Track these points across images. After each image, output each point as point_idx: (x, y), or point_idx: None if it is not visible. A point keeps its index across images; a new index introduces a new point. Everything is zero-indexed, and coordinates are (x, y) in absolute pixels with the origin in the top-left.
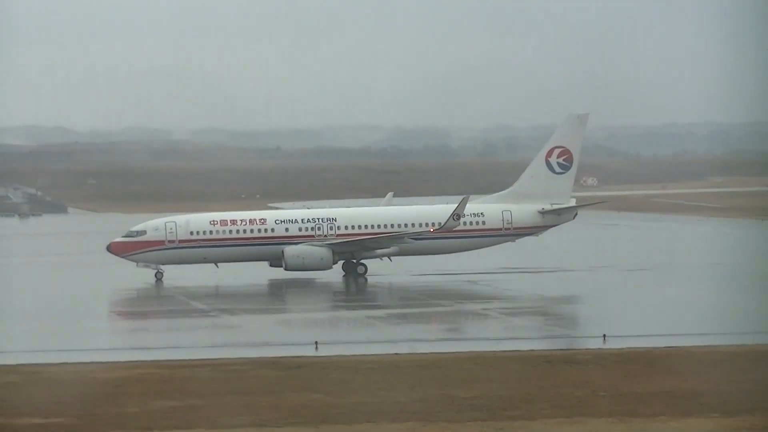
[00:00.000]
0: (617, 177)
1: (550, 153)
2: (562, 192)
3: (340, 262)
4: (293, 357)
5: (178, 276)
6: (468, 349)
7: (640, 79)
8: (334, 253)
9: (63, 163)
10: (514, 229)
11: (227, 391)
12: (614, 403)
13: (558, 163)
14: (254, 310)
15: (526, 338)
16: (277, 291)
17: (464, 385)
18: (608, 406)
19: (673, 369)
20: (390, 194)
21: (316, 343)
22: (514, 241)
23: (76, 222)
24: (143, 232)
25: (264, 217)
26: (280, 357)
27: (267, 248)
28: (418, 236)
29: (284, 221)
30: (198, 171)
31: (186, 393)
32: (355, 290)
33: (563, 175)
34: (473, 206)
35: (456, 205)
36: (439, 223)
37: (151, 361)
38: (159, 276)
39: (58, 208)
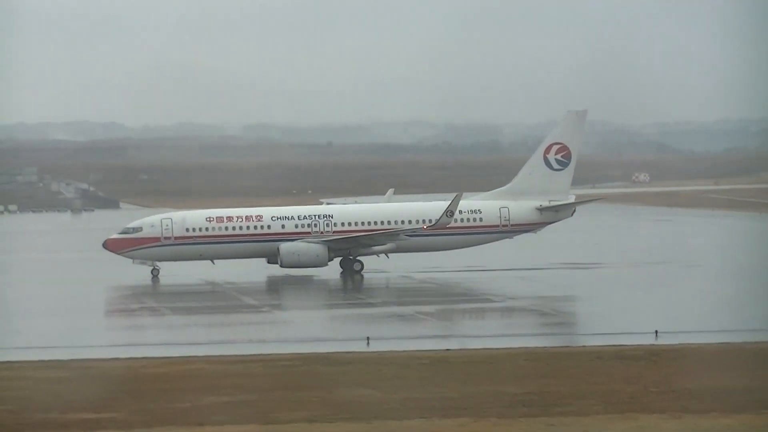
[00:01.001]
0: (669, 173)
1: (548, 149)
2: (560, 188)
3: (338, 259)
4: (345, 352)
5: (228, 272)
6: (519, 345)
7: (693, 75)
8: (329, 249)
9: (115, 158)
10: (512, 226)
11: (279, 386)
12: (666, 399)
13: (556, 159)
14: (305, 306)
15: (577, 334)
16: (324, 287)
17: (515, 381)
18: (660, 402)
19: (725, 365)
20: (391, 191)
21: (368, 338)
22: (511, 238)
23: (129, 217)
24: (139, 229)
25: (260, 214)
26: (332, 352)
27: (263, 245)
28: (413, 233)
29: (281, 218)
30: (249, 167)
31: (238, 388)
32: (402, 286)
33: (561, 171)
34: (471, 203)
35: (450, 201)
36: (431, 220)
37: (203, 356)
38: (155, 273)
39: (110, 204)
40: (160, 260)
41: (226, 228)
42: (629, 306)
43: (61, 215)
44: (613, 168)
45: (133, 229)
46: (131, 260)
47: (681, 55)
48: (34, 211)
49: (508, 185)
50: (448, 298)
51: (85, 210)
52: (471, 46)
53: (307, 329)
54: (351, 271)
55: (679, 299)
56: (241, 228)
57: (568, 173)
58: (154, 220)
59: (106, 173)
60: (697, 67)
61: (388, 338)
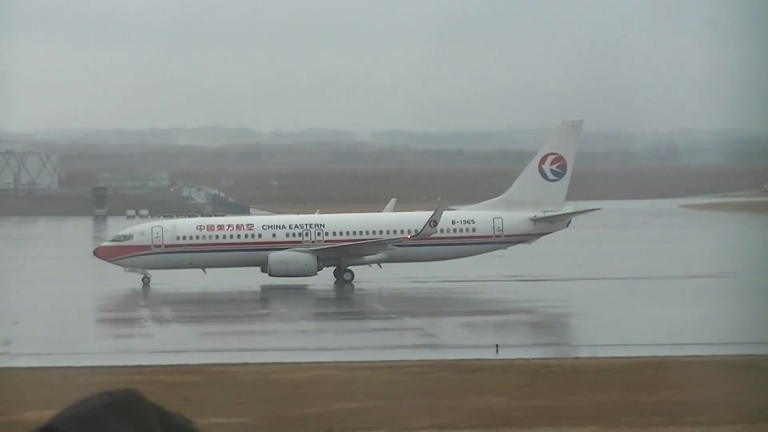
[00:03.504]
0: None
1: (543, 160)
2: (555, 199)
3: (331, 269)
4: (474, 360)
5: (360, 278)
6: (650, 354)
7: None
8: (318, 259)
9: (246, 164)
10: (505, 236)
11: (408, 393)
12: None
13: (551, 170)
14: (435, 313)
15: (707, 344)
16: (454, 294)
17: (646, 389)
18: None
19: None
20: (393, 200)
21: (497, 346)
22: (505, 248)
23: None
24: (130, 237)
25: (251, 223)
26: (461, 360)
27: (254, 254)
28: (399, 243)
29: (272, 227)
30: (379, 173)
31: (367, 395)
32: (530, 291)
33: (557, 182)
34: (464, 213)
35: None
36: (416, 230)
37: (332, 362)
38: (146, 281)
39: (240, 210)
40: (150, 268)
41: (217, 236)
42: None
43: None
44: (745, 177)
45: (124, 236)
46: (122, 268)
47: None
48: (164, 216)
49: (502, 195)
50: (575, 304)
51: (215, 216)
52: (604, 51)
53: (436, 336)
54: (342, 281)
55: None
56: (231, 237)
57: (564, 184)
58: (144, 228)
59: (237, 179)
60: None
61: (516, 346)
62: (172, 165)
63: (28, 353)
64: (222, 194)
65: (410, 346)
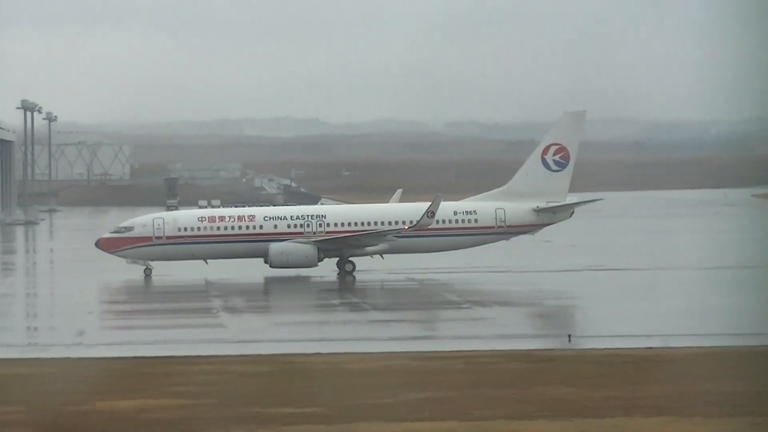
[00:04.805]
0: None
1: (546, 150)
2: (558, 190)
3: (333, 260)
4: (545, 350)
5: (429, 267)
6: (724, 344)
7: None
8: (319, 250)
9: (317, 154)
10: (508, 227)
11: (479, 383)
12: None
13: (554, 160)
14: (506, 303)
15: None
16: (525, 283)
17: (720, 380)
18: None
19: None
20: (399, 191)
21: (569, 335)
22: (507, 239)
23: None
24: (131, 228)
25: (253, 214)
26: (533, 350)
27: (255, 245)
28: (399, 234)
29: (273, 218)
30: (451, 163)
31: (438, 385)
32: (604, 281)
33: (560, 172)
34: (466, 204)
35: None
36: (412, 221)
37: (404, 352)
38: (148, 273)
39: (312, 200)
40: (151, 260)
41: (218, 228)
42: None
43: None
44: None
45: (125, 228)
46: (124, 260)
47: None
48: (236, 207)
49: (504, 186)
50: (650, 294)
51: (286, 206)
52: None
53: (507, 326)
54: (344, 272)
55: None
56: (233, 228)
57: (567, 174)
58: (146, 220)
59: (309, 169)
60: None
61: (589, 336)
62: (243, 156)
63: (101, 343)
64: (294, 184)
65: (482, 336)
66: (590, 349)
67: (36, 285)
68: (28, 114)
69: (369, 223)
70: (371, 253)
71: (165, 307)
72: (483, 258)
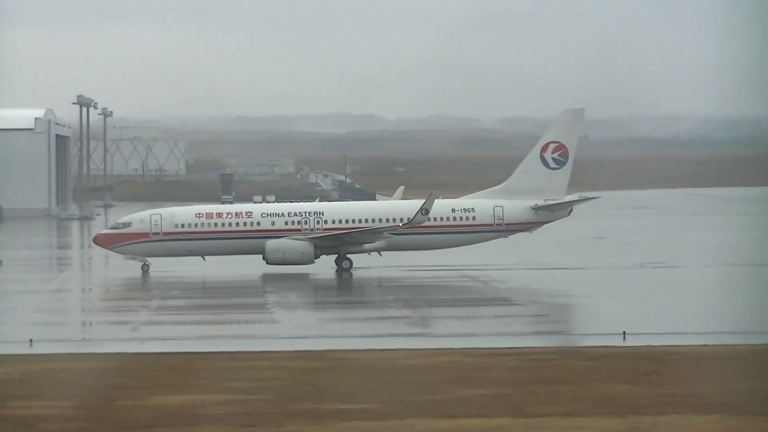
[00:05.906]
0: None
1: (545, 148)
2: (556, 188)
3: (330, 257)
4: (600, 347)
5: (479, 264)
6: None
7: None
8: (316, 247)
9: (370, 150)
10: (506, 225)
11: (533, 380)
12: None
13: (553, 158)
14: (558, 299)
15: None
16: (575, 280)
17: None
18: None
19: None
20: (401, 188)
21: (624, 333)
22: (506, 237)
23: None
24: (129, 224)
25: (250, 211)
26: (587, 346)
27: (253, 242)
28: (394, 231)
29: (270, 215)
30: (505, 159)
31: (492, 381)
32: (655, 278)
33: (558, 170)
34: (464, 201)
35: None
36: (409, 218)
37: (457, 348)
38: (145, 269)
39: (366, 196)
40: (148, 256)
41: (216, 224)
42: None
43: None
44: None
45: (123, 224)
46: (122, 256)
47: None
48: (291, 203)
49: (503, 184)
50: (702, 291)
51: (339, 201)
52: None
53: (561, 323)
54: (341, 269)
55: None
56: (230, 224)
57: (566, 172)
58: (143, 216)
59: (363, 165)
60: None
61: (643, 333)
62: (297, 151)
63: (153, 338)
64: (348, 180)
65: (535, 332)
66: (645, 346)
67: (90, 280)
68: (84, 110)
69: (367, 220)
70: (368, 250)
71: (217, 302)
72: (539, 253)
